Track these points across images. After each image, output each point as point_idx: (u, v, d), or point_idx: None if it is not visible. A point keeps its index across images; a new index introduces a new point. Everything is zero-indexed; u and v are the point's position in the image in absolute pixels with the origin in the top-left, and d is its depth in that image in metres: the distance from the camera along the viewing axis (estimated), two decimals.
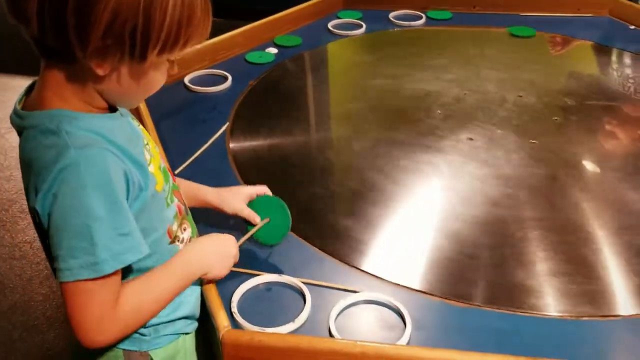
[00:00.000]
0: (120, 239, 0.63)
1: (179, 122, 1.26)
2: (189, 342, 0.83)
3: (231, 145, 1.20)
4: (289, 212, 0.89)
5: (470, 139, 1.22)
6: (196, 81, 1.40)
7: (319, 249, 0.92)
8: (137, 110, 1.11)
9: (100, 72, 0.62)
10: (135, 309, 0.68)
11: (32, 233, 2.04)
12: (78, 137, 0.62)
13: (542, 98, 1.36)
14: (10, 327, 1.68)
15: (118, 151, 0.65)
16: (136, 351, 0.77)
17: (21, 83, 3.04)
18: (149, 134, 0.80)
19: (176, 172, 1.08)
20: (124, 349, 0.76)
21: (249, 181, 1.09)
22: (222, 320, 0.74)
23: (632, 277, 0.88)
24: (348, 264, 0.90)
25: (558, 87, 1.44)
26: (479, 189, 1.08)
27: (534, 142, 1.20)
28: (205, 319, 0.80)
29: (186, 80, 1.39)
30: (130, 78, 0.64)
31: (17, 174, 2.32)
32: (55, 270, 0.63)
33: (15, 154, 2.44)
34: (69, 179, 0.60)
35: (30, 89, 0.69)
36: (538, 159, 1.16)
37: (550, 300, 0.84)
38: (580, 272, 0.89)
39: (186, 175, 1.04)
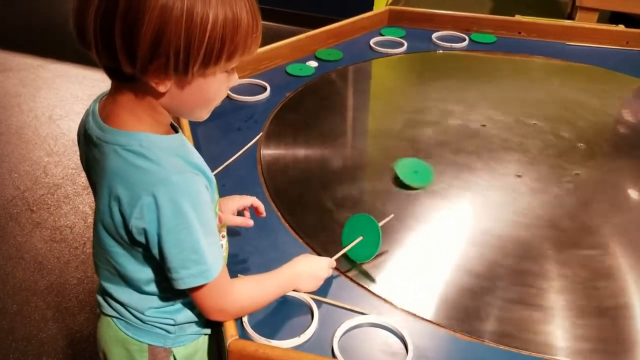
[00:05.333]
0: (217, 248, 0.75)
1: (215, 129, 1.31)
2: (207, 343, 0.88)
3: (262, 154, 1.24)
4: (380, 232, 0.93)
5: (501, 170, 1.22)
6: (236, 90, 1.45)
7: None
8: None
9: (161, 88, 0.67)
10: (245, 298, 0.81)
11: (73, 218, 2.14)
12: (170, 162, 0.70)
13: (584, 135, 1.35)
14: (44, 307, 1.78)
15: (198, 171, 0.72)
16: (161, 347, 0.83)
17: (75, 72, 3.18)
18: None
19: None
20: (149, 344, 0.83)
21: (274, 191, 1.12)
22: (230, 329, 0.78)
23: None
24: (359, 285, 0.92)
25: (601, 123, 1.43)
26: (504, 224, 1.08)
27: (568, 182, 1.19)
28: (218, 324, 0.84)
29: None
30: (185, 92, 0.69)
31: (65, 160, 2.43)
32: (172, 280, 0.73)
33: (65, 140, 2.57)
34: (170, 203, 0.68)
35: (102, 97, 0.76)
36: (570, 200, 1.15)
37: (559, 345, 0.84)
38: (598, 319, 0.88)
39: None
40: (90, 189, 2.24)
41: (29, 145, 2.54)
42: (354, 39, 1.74)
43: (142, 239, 0.71)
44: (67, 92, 2.95)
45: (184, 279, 0.72)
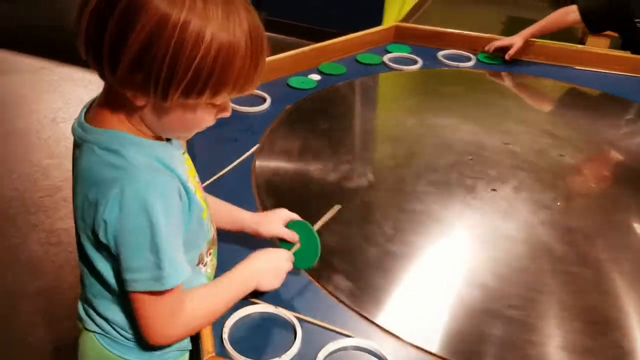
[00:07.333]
0: (179, 258, 0.69)
1: (211, 138, 1.28)
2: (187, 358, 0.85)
3: (257, 166, 1.22)
4: (318, 241, 0.90)
5: (499, 193, 1.19)
6: (236, 99, 1.43)
7: (322, 285, 0.92)
8: None
9: (136, 102, 0.65)
10: (196, 315, 0.75)
11: (70, 221, 2.12)
12: (142, 162, 0.66)
13: (582, 157, 1.32)
14: (33, 311, 1.75)
15: (176, 177, 0.69)
16: None
17: (81, 75, 3.18)
18: None
19: None
20: None
21: (266, 204, 1.10)
22: (207, 346, 0.75)
23: None
24: (345, 305, 0.89)
25: (601, 148, 1.40)
26: (497, 248, 1.05)
27: (568, 205, 1.16)
28: (197, 341, 0.81)
29: None
30: (162, 114, 0.66)
31: (66, 163, 2.42)
32: (124, 281, 0.68)
33: (67, 143, 2.56)
34: (136, 200, 0.64)
35: (93, 101, 0.73)
36: (567, 225, 1.12)
37: None
38: (594, 345, 0.85)
39: (206, 192, 1.06)
40: None
41: (31, 147, 2.54)
42: (360, 54, 1.73)
43: (103, 234, 0.67)
44: (72, 95, 2.96)
45: (136, 281, 0.67)
